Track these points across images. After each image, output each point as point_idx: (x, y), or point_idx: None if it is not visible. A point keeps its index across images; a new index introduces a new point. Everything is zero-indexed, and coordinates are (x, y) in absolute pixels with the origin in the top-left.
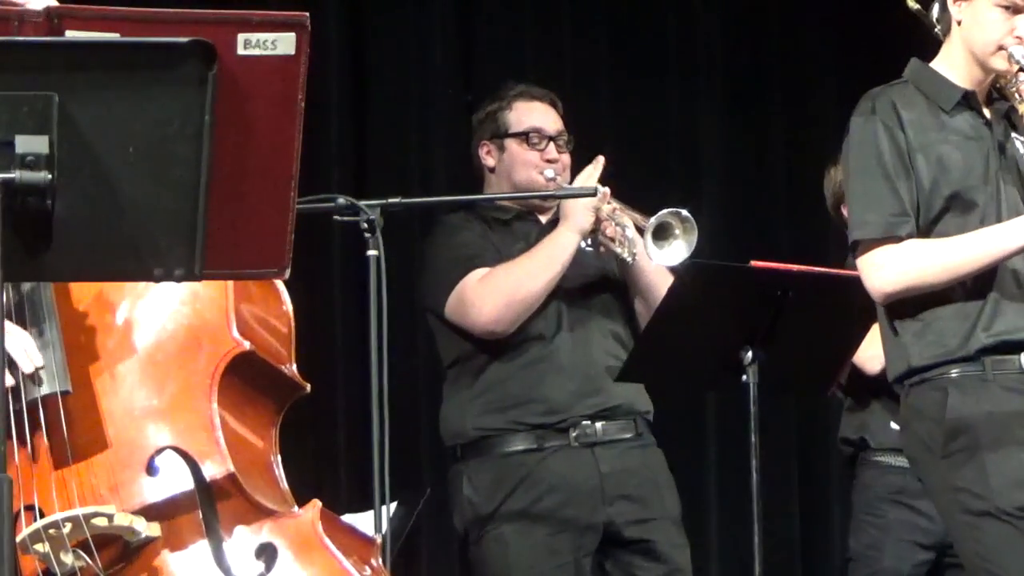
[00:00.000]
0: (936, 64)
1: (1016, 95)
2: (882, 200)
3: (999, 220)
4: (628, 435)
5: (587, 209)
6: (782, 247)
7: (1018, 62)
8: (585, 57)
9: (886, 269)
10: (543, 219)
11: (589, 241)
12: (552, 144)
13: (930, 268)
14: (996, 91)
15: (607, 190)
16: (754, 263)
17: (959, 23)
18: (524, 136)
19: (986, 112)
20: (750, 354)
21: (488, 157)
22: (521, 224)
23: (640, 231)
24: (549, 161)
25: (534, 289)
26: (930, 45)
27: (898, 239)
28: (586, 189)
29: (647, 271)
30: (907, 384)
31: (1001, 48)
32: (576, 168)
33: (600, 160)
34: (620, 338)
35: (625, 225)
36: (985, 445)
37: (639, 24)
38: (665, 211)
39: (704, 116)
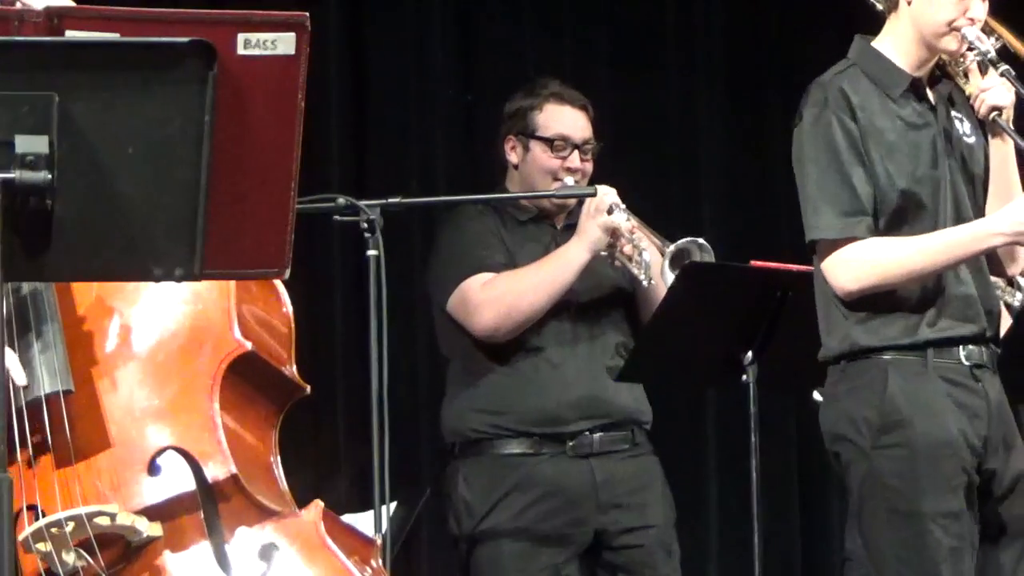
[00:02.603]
0: (881, 43)
1: (961, 74)
2: (838, 197)
3: (947, 208)
4: (625, 445)
5: (601, 227)
6: (782, 247)
7: (970, 43)
8: (585, 56)
9: (852, 267)
10: (558, 224)
11: (606, 253)
12: (576, 152)
13: (893, 267)
14: (939, 69)
15: (609, 202)
16: (754, 263)
17: (908, 2)
18: (550, 142)
19: (930, 95)
20: (750, 354)
21: (512, 153)
22: (536, 228)
23: (661, 253)
24: (570, 169)
25: (536, 302)
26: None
27: (856, 239)
28: (586, 189)
29: (660, 291)
30: (844, 361)
31: (953, 29)
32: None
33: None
34: (627, 351)
35: (643, 248)
36: (919, 446)
37: (639, 22)
38: (685, 239)
39: (704, 115)
